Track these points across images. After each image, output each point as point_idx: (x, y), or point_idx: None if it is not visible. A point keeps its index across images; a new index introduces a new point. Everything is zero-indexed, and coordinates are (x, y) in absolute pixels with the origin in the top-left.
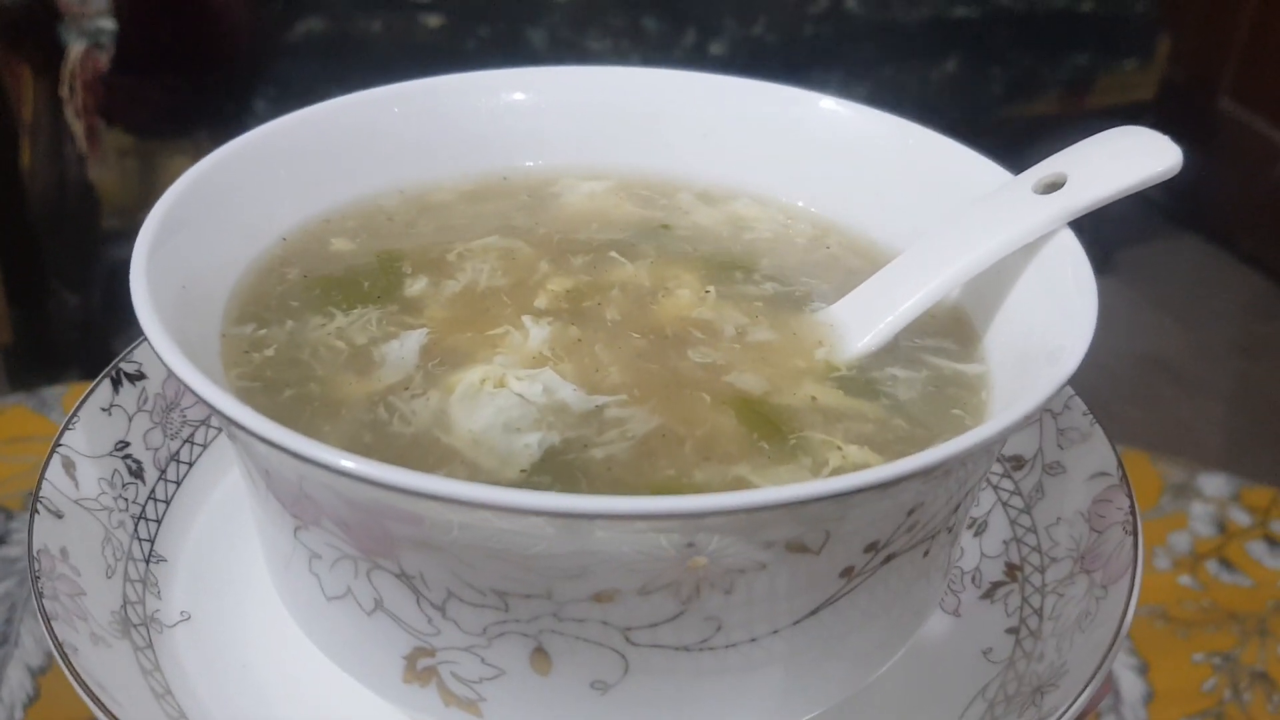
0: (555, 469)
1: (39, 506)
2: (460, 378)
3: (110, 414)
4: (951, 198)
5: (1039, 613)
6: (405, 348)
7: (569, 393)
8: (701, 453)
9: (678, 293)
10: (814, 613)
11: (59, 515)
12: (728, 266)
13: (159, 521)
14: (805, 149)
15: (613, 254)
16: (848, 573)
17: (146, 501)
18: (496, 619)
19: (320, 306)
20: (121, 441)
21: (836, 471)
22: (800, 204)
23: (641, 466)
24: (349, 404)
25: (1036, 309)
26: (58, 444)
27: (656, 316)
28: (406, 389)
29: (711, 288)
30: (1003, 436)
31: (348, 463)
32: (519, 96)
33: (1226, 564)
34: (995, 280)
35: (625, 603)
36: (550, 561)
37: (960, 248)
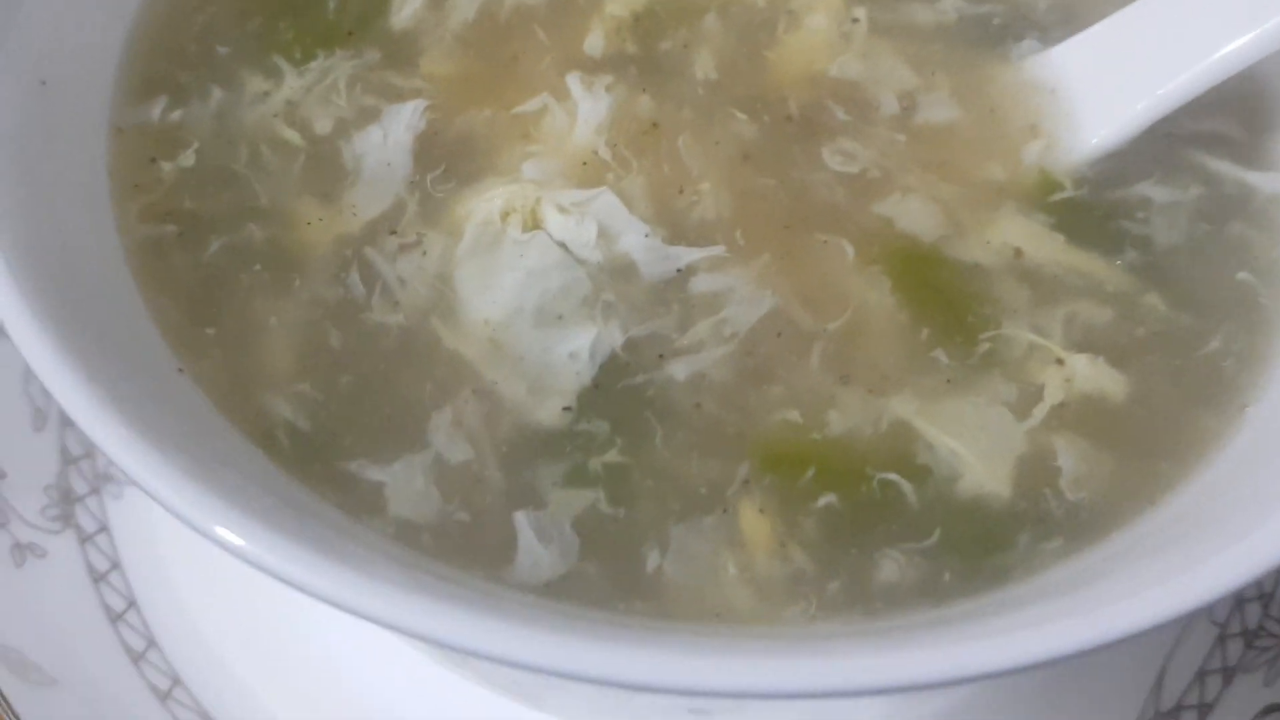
0: (614, 406)
1: None
2: (471, 206)
3: None
4: None
5: None
6: (392, 141)
7: (638, 240)
8: (839, 368)
9: (808, 23)
10: None
11: None
12: None
13: None
14: None
15: None
16: None
17: None
18: None
19: (262, 53)
20: None
21: (1057, 415)
22: None
23: (746, 400)
24: (308, 264)
25: None
26: None
27: (774, 75)
28: (393, 231)
29: (861, 11)
30: None
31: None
32: None
33: None
34: None
35: None
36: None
37: None
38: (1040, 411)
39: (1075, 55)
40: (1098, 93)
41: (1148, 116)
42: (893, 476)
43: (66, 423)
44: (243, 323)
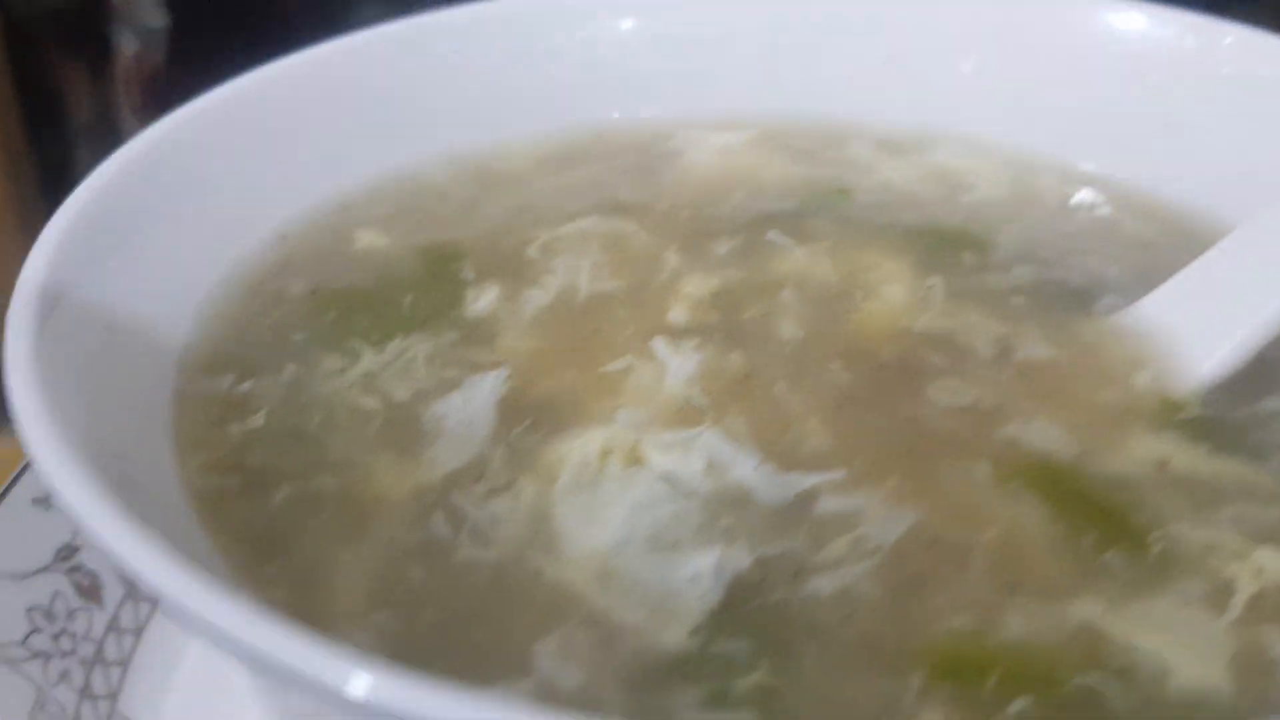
0: (754, 624)
1: None
2: (565, 451)
3: (48, 508)
4: None
5: None
6: (474, 404)
7: (749, 469)
8: (1003, 577)
9: (884, 291)
10: None
11: None
12: (950, 244)
13: (124, 666)
14: (1044, 67)
15: (771, 235)
16: None
17: (105, 636)
18: None
19: (339, 339)
20: (66, 547)
21: (1255, 606)
22: (1038, 149)
23: (909, 611)
24: (385, 509)
25: None
26: None
27: (860, 331)
28: (480, 478)
29: (936, 279)
30: None
31: (359, 685)
32: (620, 24)
33: None
34: None
35: None
36: None
37: None
38: (1238, 603)
39: (1162, 305)
40: (1193, 333)
41: (1248, 346)
42: (1092, 679)
43: None
44: (313, 561)
